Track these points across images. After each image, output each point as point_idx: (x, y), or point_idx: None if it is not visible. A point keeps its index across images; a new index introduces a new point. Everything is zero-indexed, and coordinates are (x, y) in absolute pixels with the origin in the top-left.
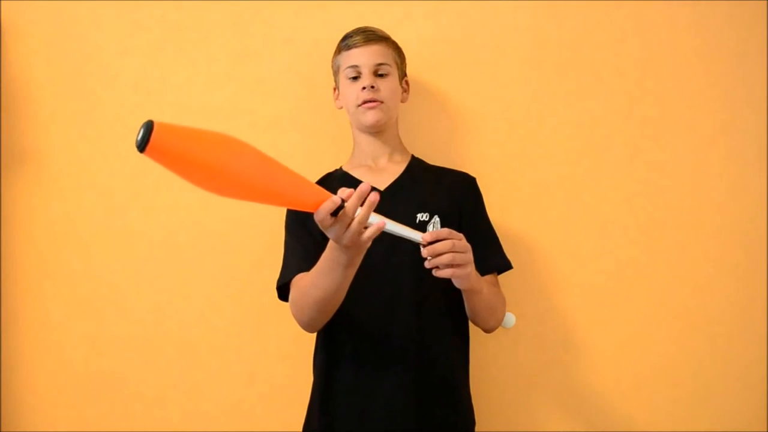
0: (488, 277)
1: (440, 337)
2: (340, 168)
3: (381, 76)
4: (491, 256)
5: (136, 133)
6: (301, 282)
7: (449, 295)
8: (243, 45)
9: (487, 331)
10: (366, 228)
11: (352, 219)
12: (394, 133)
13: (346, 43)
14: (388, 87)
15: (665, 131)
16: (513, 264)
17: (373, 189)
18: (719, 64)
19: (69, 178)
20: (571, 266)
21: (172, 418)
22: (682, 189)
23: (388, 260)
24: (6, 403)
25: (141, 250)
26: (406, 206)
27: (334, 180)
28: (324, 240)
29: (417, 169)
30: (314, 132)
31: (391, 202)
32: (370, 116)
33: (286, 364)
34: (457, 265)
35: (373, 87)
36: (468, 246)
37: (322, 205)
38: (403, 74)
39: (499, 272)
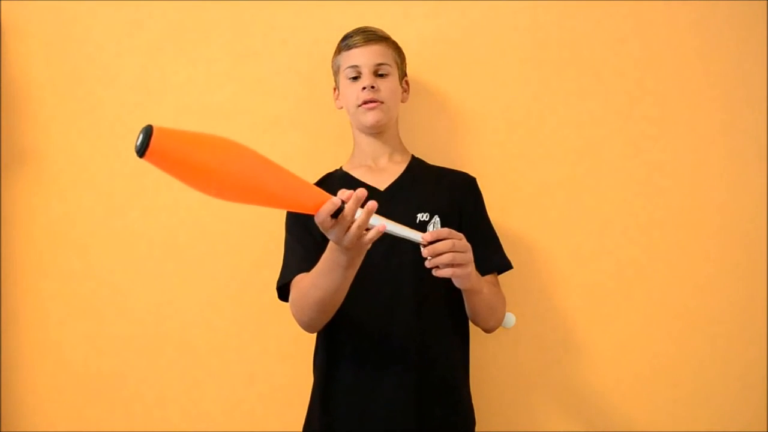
0: (488, 277)
1: (440, 337)
2: (341, 168)
3: (381, 76)
4: (491, 256)
5: (136, 137)
6: (301, 282)
7: (449, 295)
8: (243, 45)
9: (487, 331)
10: (367, 230)
11: (352, 222)
12: (394, 133)
13: (346, 43)
14: (388, 87)
15: (665, 131)
16: (513, 264)
17: (371, 193)
18: (719, 64)
19: (69, 178)
20: (571, 266)
21: (172, 418)
22: (682, 189)
23: (388, 260)
24: (6, 403)
25: (141, 250)
26: (406, 206)
27: (335, 180)
28: (324, 240)
29: (417, 169)
30: (314, 132)
31: (391, 202)
32: (371, 116)
33: (286, 364)
34: (458, 265)
35: (373, 87)
36: (468, 246)
37: (322, 207)
38: (403, 74)
39: (500, 272)
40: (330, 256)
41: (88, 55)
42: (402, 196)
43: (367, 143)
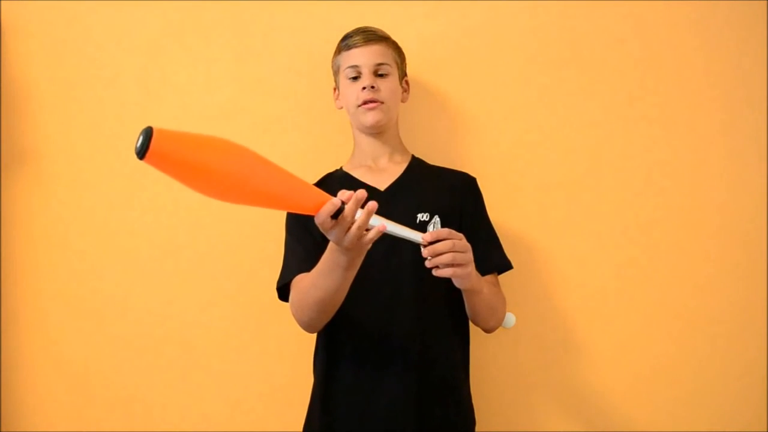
0: (488, 277)
1: (440, 337)
2: (341, 168)
3: (381, 76)
4: (491, 256)
5: (136, 137)
6: (301, 283)
7: (449, 295)
8: (243, 45)
9: (488, 331)
10: (367, 230)
11: (352, 223)
12: (394, 133)
13: (346, 43)
14: (388, 87)
15: (665, 131)
16: (513, 264)
17: (371, 194)
18: (719, 64)
19: (69, 178)
20: (571, 266)
21: (172, 418)
22: (682, 189)
23: (389, 260)
24: (6, 403)
25: (141, 250)
26: (406, 206)
27: (335, 180)
28: (324, 241)
29: (417, 169)
30: (314, 132)
31: (392, 202)
32: (370, 117)
33: (286, 364)
34: (458, 265)
35: (373, 87)
36: (468, 246)
37: (323, 208)
38: (403, 74)
39: (500, 272)
40: (330, 256)
41: (88, 55)
42: (402, 196)
43: (367, 143)
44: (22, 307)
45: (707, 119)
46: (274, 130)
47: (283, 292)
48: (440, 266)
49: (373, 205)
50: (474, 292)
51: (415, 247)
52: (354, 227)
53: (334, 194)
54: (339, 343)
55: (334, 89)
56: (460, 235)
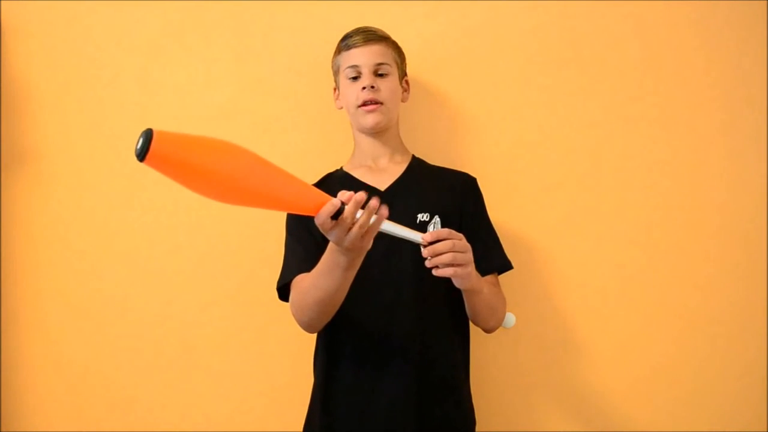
0: (489, 277)
1: (441, 337)
2: (341, 168)
3: (381, 76)
4: (492, 256)
5: (136, 138)
6: (301, 283)
7: (450, 295)
8: (243, 45)
9: (488, 331)
10: (366, 231)
11: (353, 223)
12: (394, 133)
13: (345, 43)
14: (388, 87)
15: (665, 131)
16: (513, 264)
17: (372, 194)
18: (719, 64)
19: (69, 178)
20: (571, 266)
21: (172, 418)
22: (682, 189)
23: (389, 260)
24: (6, 403)
25: (141, 250)
26: (406, 206)
27: (335, 180)
28: (324, 241)
29: (417, 169)
30: (314, 132)
31: (392, 203)
32: (370, 119)
33: (286, 364)
34: (458, 265)
35: (373, 87)
36: (468, 246)
37: (323, 208)
38: (403, 74)
39: (500, 272)
40: (330, 257)
41: (88, 55)
42: (402, 197)
43: (368, 143)
44: (22, 307)
45: (707, 119)
46: (274, 130)
47: (284, 292)
48: (440, 266)
49: (374, 201)
50: (474, 292)
51: (416, 247)
52: (355, 227)
53: (335, 194)
54: (339, 343)
55: (334, 89)
56: (460, 235)
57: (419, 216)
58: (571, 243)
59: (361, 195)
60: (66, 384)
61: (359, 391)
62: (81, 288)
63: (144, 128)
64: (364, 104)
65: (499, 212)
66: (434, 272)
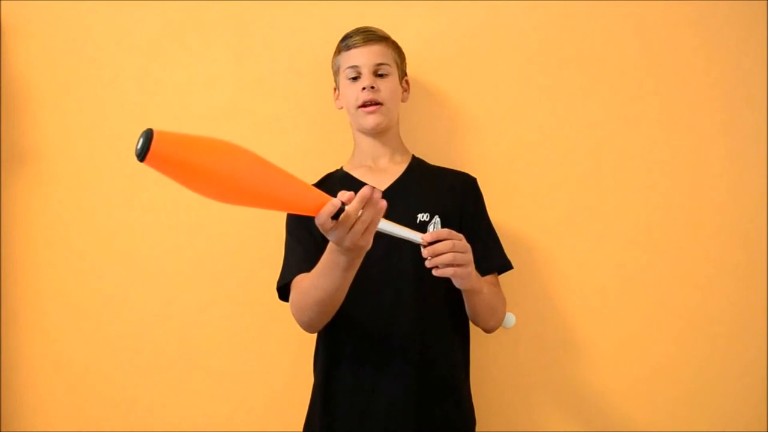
0: (488, 278)
1: (441, 337)
2: (341, 168)
3: (381, 76)
4: (492, 256)
5: (136, 138)
6: (301, 283)
7: (450, 296)
8: (243, 45)
9: (488, 331)
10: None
11: (354, 222)
12: (394, 133)
13: (345, 43)
14: (388, 87)
15: (665, 131)
16: (513, 264)
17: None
18: (719, 64)
19: (69, 178)
20: (571, 266)
21: (172, 419)
22: (682, 189)
23: (389, 261)
24: (6, 403)
25: (141, 250)
26: (406, 206)
27: (335, 180)
28: (324, 241)
29: (418, 169)
30: (314, 132)
31: (392, 203)
32: (370, 120)
33: (286, 364)
34: (458, 265)
35: (373, 87)
36: (468, 246)
37: (323, 208)
38: (403, 74)
39: (500, 272)
40: (330, 257)
41: (88, 55)
42: (402, 197)
43: (368, 144)
44: (22, 307)
45: (707, 119)
46: (274, 130)
47: (284, 292)
48: (440, 266)
49: (381, 201)
50: (474, 292)
51: (415, 247)
52: (358, 223)
53: (335, 194)
54: (339, 343)
55: (334, 89)
56: (460, 235)
57: (419, 216)
58: (571, 243)
59: (367, 191)
60: (66, 384)
61: (359, 391)
62: (81, 288)
63: (144, 128)
64: (364, 105)
65: (499, 212)
66: (434, 272)
